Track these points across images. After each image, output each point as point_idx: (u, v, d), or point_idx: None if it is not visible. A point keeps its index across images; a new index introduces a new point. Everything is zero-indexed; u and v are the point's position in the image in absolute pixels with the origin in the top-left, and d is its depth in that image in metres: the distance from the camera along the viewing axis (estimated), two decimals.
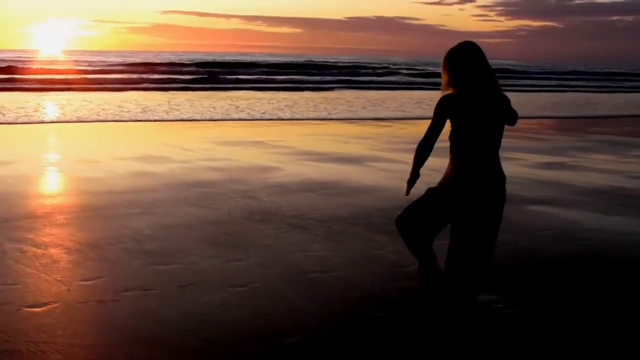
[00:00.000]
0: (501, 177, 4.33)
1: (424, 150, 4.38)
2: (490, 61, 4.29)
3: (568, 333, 4.69)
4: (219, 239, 6.87)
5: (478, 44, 4.25)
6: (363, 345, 4.40)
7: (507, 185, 4.35)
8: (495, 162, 4.30)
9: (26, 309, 4.88)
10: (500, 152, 4.35)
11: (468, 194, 4.23)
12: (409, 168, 4.47)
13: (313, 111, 24.02)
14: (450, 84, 4.25)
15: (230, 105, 25.47)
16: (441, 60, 4.28)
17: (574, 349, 4.45)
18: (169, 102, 25.97)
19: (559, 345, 4.50)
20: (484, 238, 4.33)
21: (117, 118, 19.57)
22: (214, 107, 24.09)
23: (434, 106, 4.32)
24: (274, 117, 21.40)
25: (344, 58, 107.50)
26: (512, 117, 4.28)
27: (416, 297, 5.20)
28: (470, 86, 4.18)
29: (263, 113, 22.61)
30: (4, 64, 46.60)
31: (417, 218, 4.41)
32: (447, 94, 4.25)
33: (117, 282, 5.53)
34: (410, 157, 4.54)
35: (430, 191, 4.41)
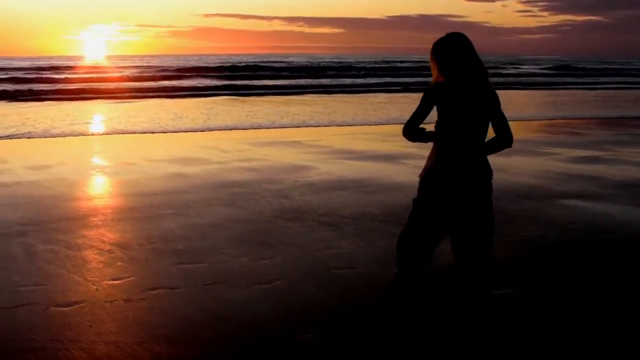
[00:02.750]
0: (485, 170, 4.22)
1: (409, 129, 4.27)
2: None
3: (593, 326, 4.64)
4: (248, 238, 6.93)
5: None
6: (384, 341, 4.40)
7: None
8: (479, 154, 4.20)
9: (54, 308, 5.00)
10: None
11: (449, 188, 4.16)
12: None
13: (354, 112, 24.03)
14: (439, 73, 4.21)
15: (273, 109, 25.59)
16: (429, 52, 4.24)
17: (598, 342, 4.41)
18: (209, 109, 26.18)
19: (583, 337, 4.46)
20: (477, 236, 4.23)
21: (162, 126, 19.79)
22: (251, 112, 24.24)
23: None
24: (313, 123, 21.44)
25: (388, 57, 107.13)
26: (505, 139, 4.20)
27: (438, 293, 5.18)
28: (457, 77, 4.14)
29: (296, 115, 22.67)
30: (48, 73, 47.47)
31: (413, 239, 4.33)
32: (438, 82, 4.20)
33: (145, 281, 5.62)
34: None
35: (415, 202, 4.35)
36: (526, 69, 68.70)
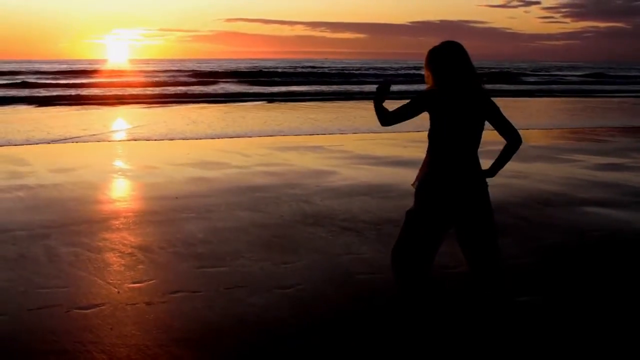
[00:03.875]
0: (480, 177, 4.18)
1: (385, 116, 4.30)
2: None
3: (612, 334, 4.58)
4: (269, 242, 6.92)
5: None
6: (405, 345, 4.37)
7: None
8: (472, 162, 4.17)
9: (75, 311, 5.01)
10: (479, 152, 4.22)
11: (446, 196, 4.12)
12: None
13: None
14: (433, 81, 4.20)
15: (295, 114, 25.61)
16: (424, 59, 4.23)
17: (616, 350, 4.35)
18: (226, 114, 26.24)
19: (603, 345, 4.40)
20: (485, 240, 4.20)
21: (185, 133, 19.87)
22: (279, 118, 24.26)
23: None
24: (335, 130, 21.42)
25: (410, 63, 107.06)
26: (515, 139, 4.18)
27: (459, 298, 5.14)
28: (450, 84, 4.12)
29: (316, 121, 22.67)
30: (73, 78, 47.88)
31: (409, 251, 4.27)
32: (433, 88, 4.19)
33: (166, 284, 5.62)
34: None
35: (409, 215, 4.29)
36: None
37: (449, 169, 4.12)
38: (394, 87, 5.39)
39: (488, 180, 4.22)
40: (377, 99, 4.31)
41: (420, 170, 4.28)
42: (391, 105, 4.25)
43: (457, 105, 4.10)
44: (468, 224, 4.17)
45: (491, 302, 4.32)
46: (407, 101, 4.23)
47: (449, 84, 4.12)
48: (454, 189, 4.11)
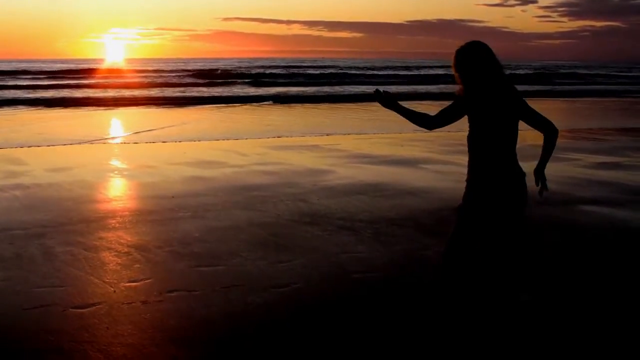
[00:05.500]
0: (516, 176, 4.23)
1: (424, 118, 4.39)
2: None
3: (612, 332, 4.59)
4: (266, 241, 6.92)
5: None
6: (401, 343, 4.37)
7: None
8: (510, 163, 4.22)
9: (72, 310, 5.00)
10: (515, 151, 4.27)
11: (483, 202, 4.19)
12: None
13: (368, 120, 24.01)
14: (462, 83, 4.21)
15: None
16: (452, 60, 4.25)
17: (616, 349, 4.35)
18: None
19: (602, 344, 4.40)
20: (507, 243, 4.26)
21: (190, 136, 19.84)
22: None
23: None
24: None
25: (410, 63, 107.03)
26: (552, 130, 4.21)
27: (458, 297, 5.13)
28: (480, 87, 4.13)
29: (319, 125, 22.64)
30: (72, 76, 47.80)
31: (461, 251, 4.32)
32: (465, 92, 4.22)
33: (162, 283, 5.62)
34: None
35: (459, 212, 4.35)
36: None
37: (484, 176, 4.19)
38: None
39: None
40: (393, 106, 4.34)
41: (467, 173, 4.33)
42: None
43: (490, 106, 4.13)
44: (496, 220, 4.23)
45: (493, 301, 4.35)
46: (449, 103, 4.29)
47: (478, 86, 4.15)
48: (494, 189, 4.18)
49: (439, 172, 11.32)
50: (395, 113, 4.43)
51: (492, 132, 4.15)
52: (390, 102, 4.38)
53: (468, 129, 4.26)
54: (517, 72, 63.03)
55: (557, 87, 47.88)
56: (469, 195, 4.28)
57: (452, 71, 4.28)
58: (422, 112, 4.45)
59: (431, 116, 4.39)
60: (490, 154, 4.18)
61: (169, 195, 9.28)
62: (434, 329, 4.56)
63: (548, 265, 6.14)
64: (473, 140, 4.23)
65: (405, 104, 4.46)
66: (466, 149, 4.31)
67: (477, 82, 4.15)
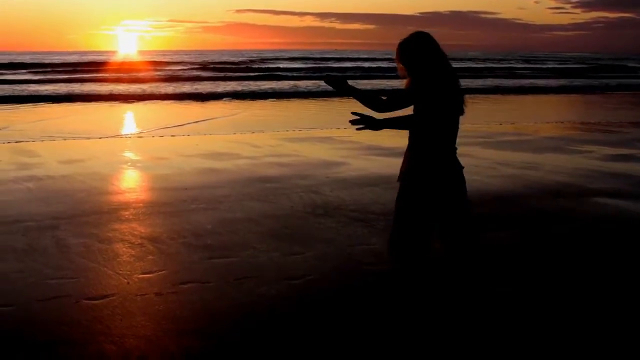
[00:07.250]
0: (458, 164, 4.24)
1: (376, 100, 4.35)
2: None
3: (621, 324, 4.55)
4: (279, 233, 6.91)
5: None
6: (414, 336, 4.35)
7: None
8: (452, 153, 4.23)
9: (85, 301, 5.00)
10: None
11: (432, 185, 4.18)
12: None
13: None
14: (408, 74, 4.19)
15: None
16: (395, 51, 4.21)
17: (624, 342, 4.32)
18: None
19: (611, 336, 4.37)
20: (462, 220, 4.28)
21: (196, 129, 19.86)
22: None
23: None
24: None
25: None
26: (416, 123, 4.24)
27: (468, 288, 5.11)
28: (427, 77, 4.10)
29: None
30: (84, 68, 47.87)
31: (409, 237, 4.30)
32: (414, 83, 4.18)
33: (176, 275, 5.61)
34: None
35: (398, 203, 4.33)
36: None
37: (430, 163, 4.19)
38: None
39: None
40: (347, 90, 4.31)
41: (403, 164, 4.35)
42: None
43: (436, 98, 4.11)
44: (451, 206, 4.23)
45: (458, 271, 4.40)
46: (400, 89, 4.23)
47: (424, 76, 4.12)
48: (441, 177, 4.18)
49: None
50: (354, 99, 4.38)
51: (435, 124, 4.14)
52: (340, 85, 4.31)
53: (414, 117, 4.23)
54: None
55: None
56: (414, 186, 4.24)
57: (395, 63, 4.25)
58: (374, 93, 4.38)
59: (383, 100, 4.32)
60: (432, 145, 4.18)
61: (182, 187, 9.29)
62: (444, 320, 4.53)
63: (561, 258, 6.09)
64: (416, 127, 4.24)
65: None
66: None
67: (424, 73, 4.12)
